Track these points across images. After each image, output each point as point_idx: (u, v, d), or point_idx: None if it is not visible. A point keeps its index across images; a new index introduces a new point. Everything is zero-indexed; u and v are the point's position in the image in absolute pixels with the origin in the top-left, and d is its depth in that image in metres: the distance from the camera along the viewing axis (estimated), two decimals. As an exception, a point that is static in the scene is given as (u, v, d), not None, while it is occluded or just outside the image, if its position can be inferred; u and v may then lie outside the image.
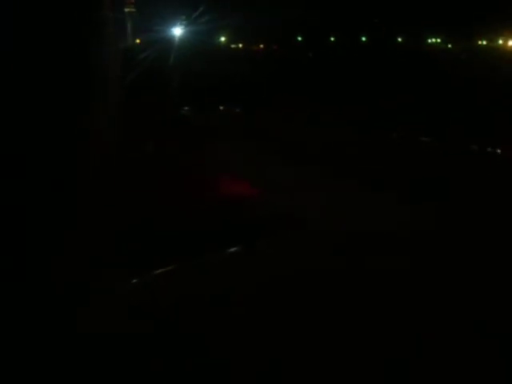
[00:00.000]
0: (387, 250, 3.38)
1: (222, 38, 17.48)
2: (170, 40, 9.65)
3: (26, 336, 2.43)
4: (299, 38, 21.22)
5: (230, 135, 7.38)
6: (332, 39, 20.60)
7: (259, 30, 17.73)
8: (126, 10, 13.40)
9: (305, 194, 5.00)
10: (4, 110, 3.04)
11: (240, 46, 19.50)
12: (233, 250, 3.56)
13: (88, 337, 2.41)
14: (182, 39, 10.48)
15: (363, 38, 20.05)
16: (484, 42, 18.50)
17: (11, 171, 3.00)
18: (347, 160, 6.19)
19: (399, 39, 19.18)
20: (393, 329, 2.52)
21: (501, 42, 18.41)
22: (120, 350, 2.36)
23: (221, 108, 9.34)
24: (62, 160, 3.13)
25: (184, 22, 10.20)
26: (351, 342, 2.43)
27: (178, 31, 10.04)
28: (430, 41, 19.37)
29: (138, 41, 13.56)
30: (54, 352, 2.34)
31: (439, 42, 19.28)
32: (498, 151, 6.67)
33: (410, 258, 3.23)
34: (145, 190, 4.75)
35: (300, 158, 6.30)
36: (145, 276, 3.05)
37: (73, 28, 3.16)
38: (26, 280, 2.75)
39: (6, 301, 2.61)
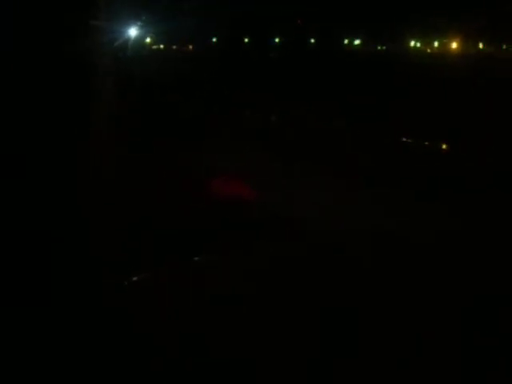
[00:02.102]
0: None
1: (148, 40, 18.11)
2: (126, 40, 10.32)
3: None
4: (214, 40, 22.26)
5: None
6: (246, 40, 21.88)
7: (178, 33, 18.57)
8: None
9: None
10: (3, 110, 3.05)
11: (161, 46, 20.29)
12: (232, 249, 3.60)
13: (89, 335, 2.43)
14: (137, 40, 11.15)
15: (276, 40, 21.50)
16: (418, 44, 20.01)
17: (10, 170, 2.98)
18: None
19: (312, 40, 20.64)
20: (393, 328, 2.55)
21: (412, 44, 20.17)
22: (120, 349, 2.37)
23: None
24: (62, 158, 3.12)
25: (140, 24, 10.86)
26: (350, 342, 2.47)
27: (133, 32, 10.70)
28: (347, 42, 20.83)
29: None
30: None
31: (357, 44, 20.87)
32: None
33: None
34: (142, 189, 5.00)
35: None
36: (144, 275, 3.06)
37: (70, 30, 3.25)
38: (26, 280, 2.76)
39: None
